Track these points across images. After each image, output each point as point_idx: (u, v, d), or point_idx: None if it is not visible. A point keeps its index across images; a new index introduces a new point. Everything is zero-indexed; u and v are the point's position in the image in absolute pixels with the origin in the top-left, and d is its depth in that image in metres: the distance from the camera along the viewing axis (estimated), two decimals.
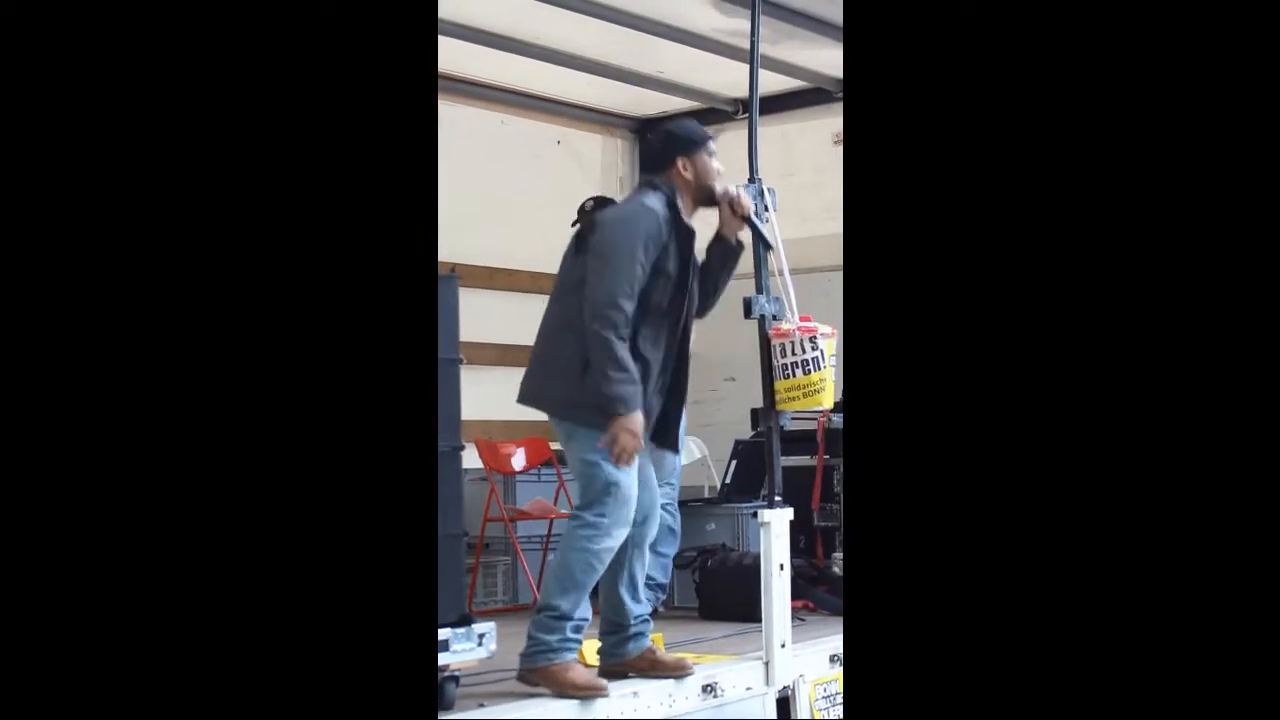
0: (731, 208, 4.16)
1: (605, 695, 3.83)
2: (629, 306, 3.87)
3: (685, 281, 4.01)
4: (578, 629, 3.93)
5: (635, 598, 4.11)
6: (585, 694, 3.82)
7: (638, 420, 3.88)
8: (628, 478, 3.92)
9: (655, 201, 4.02)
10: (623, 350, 3.86)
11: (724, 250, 4.20)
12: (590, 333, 3.86)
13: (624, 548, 4.03)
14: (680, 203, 4.08)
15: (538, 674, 3.89)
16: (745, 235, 4.26)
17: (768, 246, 4.18)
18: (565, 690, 3.83)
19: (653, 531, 4.15)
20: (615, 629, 4.10)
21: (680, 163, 4.12)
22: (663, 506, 4.45)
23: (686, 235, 4.04)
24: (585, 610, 3.95)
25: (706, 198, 4.14)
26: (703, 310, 4.19)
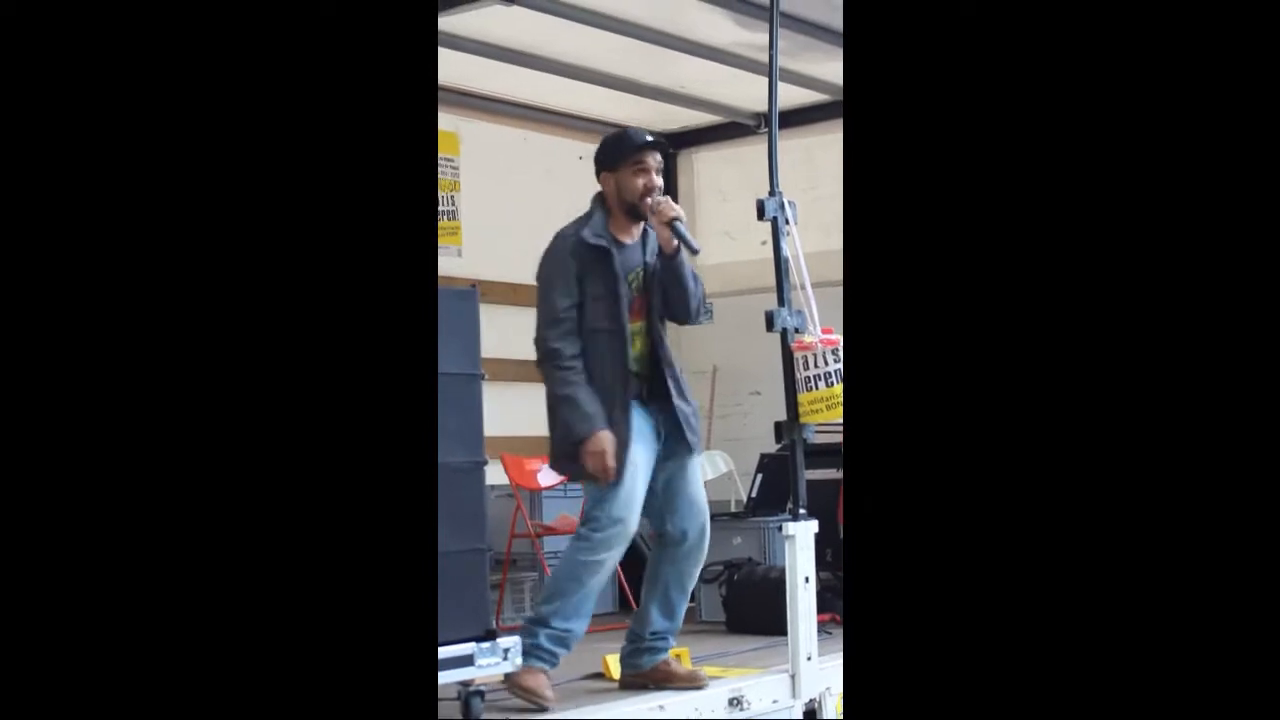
0: (657, 217, 4.01)
1: (547, 710, 3.83)
2: (554, 336, 3.93)
3: (617, 296, 3.97)
4: (556, 639, 3.95)
5: (665, 614, 4.13)
6: (529, 699, 3.84)
7: (598, 439, 3.90)
8: (618, 494, 3.93)
9: (573, 228, 4.03)
10: (568, 381, 3.92)
11: (664, 261, 4.06)
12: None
13: (663, 565, 4.11)
14: (609, 220, 4.05)
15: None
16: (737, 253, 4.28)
17: (694, 251, 4.04)
18: (514, 692, 3.88)
19: (696, 551, 4.13)
20: (633, 639, 4.17)
21: (603, 177, 4.10)
22: None
23: (602, 254, 3.98)
24: (571, 623, 3.96)
25: (631, 211, 4.05)
26: (681, 315, 4.12)
